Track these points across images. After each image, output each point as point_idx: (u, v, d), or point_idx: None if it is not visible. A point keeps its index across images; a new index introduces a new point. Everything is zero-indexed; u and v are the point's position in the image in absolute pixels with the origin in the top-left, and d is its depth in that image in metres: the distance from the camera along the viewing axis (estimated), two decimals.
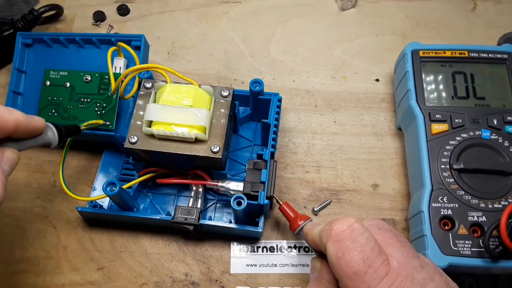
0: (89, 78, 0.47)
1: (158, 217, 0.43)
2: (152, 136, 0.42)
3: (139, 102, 0.43)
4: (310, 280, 0.35)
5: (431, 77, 0.47)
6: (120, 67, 0.49)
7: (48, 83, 0.48)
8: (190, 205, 0.44)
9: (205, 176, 0.44)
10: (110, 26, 0.58)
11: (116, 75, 0.46)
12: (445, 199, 0.41)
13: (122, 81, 0.43)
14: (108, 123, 0.46)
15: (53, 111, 0.47)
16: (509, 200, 0.40)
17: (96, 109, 0.47)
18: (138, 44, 0.49)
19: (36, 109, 0.48)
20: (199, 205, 0.44)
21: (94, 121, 0.45)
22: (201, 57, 0.56)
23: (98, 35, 0.51)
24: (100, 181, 0.48)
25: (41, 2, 0.59)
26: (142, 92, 0.44)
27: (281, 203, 0.42)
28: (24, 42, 0.51)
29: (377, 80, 0.54)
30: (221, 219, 0.46)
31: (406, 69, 0.48)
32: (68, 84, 0.48)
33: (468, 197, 0.41)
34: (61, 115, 0.47)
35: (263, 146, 0.48)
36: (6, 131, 0.32)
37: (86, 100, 0.47)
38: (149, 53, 0.54)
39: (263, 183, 0.42)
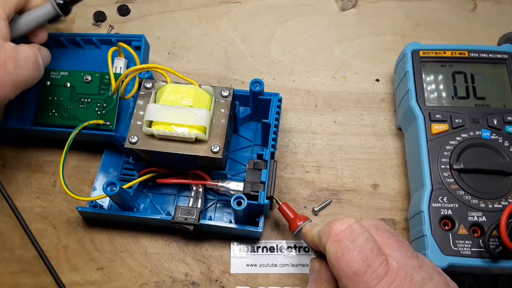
0: (90, 78, 0.47)
1: (158, 217, 0.43)
2: (152, 136, 0.42)
3: (140, 102, 0.43)
4: (309, 281, 0.35)
5: (431, 77, 0.47)
6: (121, 67, 0.49)
7: (48, 83, 0.48)
8: (190, 205, 0.44)
9: (205, 176, 0.44)
10: (111, 26, 0.58)
11: (117, 75, 0.46)
12: (445, 199, 0.41)
13: (123, 81, 0.43)
14: (108, 123, 0.46)
15: (53, 111, 0.47)
16: (509, 200, 0.40)
17: (96, 109, 0.47)
18: (139, 44, 0.49)
19: (36, 109, 0.48)
20: (199, 205, 0.44)
21: (94, 121, 0.45)
22: (201, 57, 0.56)
23: (98, 35, 0.51)
24: (100, 181, 0.48)
25: None
26: (142, 92, 0.44)
27: (280, 203, 0.42)
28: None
29: (377, 80, 0.54)
30: (221, 219, 0.46)
31: (406, 69, 0.48)
32: (68, 84, 0.48)
33: (468, 197, 0.41)
34: (61, 115, 0.47)
35: (263, 146, 0.48)
36: None
37: (86, 100, 0.47)
38: (150, 53, 0.54)
39: (263, 183, 0.42)
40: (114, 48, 0.47)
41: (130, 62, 0.50)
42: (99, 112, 0.46)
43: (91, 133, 0.46)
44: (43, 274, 0.45)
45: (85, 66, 0.50)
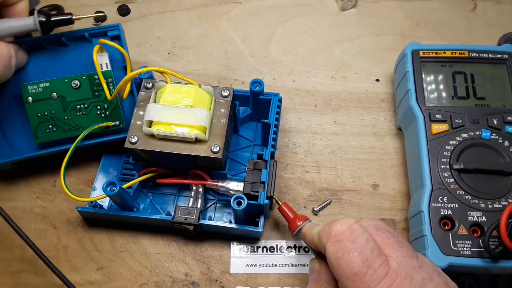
0: (78, 83, 0.44)
1: (158, 217, 0.43)
2: (152, 136, 0.42)
3: (140, 102, 0.43)
4: (309, 281, 0.35)
5: (431, 77, 0.47)
6: (106, 63, 0.47)
7: (30, 99, 0.44)
8: (190, 205, 0.44)
9: (205, 176, 0.44)
10: None
11: (105, 73, 0.45)
12: (445, 199, 0.41)
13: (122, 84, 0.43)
14: (117, 122, 0.45)
15: (50, 127, 0.45)
16: (509, 200, 0.40)
17: (98, 112, 0.45)
18: (116, 33, 0.47)
19: (28, 131, 0.45)
20: (199, 205, 0.44)
21: (103, 124, 0.44)
22: (201, 57, 0.56)
23: (67, 34, 0.47)
24: (100, 181, 0.48)
25: (41, 2, 0.59)
26: (142, 92, 0.44)
27: (280, 203, 0.42)
28: None
29: (377, 80, 0.54)
30: (221, 219, 0.46)
31: (406, 69, 0.48)
32: (55, 95, 0.44)
33: (468, 197, 0.41)
34: (62, 129, 0.45)
35: (263, 146, 0.48)
36: None
37: (83, 106, 0.45)
38: (150, 53, 0.54)
39: (263, 183, 0.42)
40: (97, 46, 0.44)
41: (112, 56, 0.48)
42: (102, 115, 0.45)
43: (107, 140, 0.45)
44: (43, 274, 0.45)
45: (61, 70, 0.46)
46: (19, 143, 0.47)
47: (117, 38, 0.47)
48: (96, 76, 0.45)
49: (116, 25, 0.47)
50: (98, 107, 0.45)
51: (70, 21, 0.45)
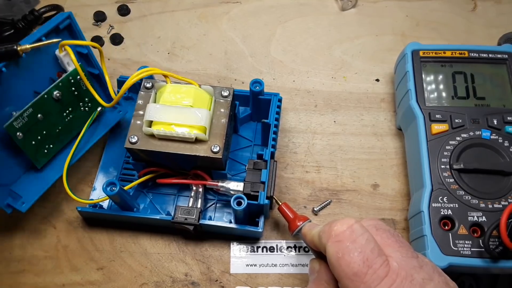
0: (58, 93, 0.42)
1: (158, 217, 0.43)
2: (152, 136, 0.42)
3: (139, 102, 0.43)
4: (309, 281, 0.35)
5: (431, 77, 0.47)
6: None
7: (20, 135, 0.40)
8: (190, 205, 0.44)
9: (205, 176, 0.44)
10: (111, 26, 0.58)
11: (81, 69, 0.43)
12: (445, 199, 0.41)
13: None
14: (99, 108, 0.46)
15: (47, 146, 0.43)
16: (509, 200, 0.40)
17: (82, 108, 0.45)
18: (67, 23, 0.42)
19: (22, 165, 0.43)
20: (199, 205, 0.44)
21: (95, 116, 0.45)
22: (201, 57, 0.56)
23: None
24: (100, 181, 0.48)
25: (41, 2, 0.59)
26: (142, 92, 0.44)
27: (280, 203, 0.42)
28: None
29: (377, 80, 0.54)
30: (221, 219, 0.46)
31: (406, 69, 0.48)
32: (41, 116, 0.41)
33: (468, 197, 0.41)
34: (60, 141, 0.44)
35: (263, 146, 0.48)
36: None
37: (69, 110, 0.44)
38: (150, 53, 0.53)
39: (263, 183, 0.42)
40: (69, 50, 0.41)
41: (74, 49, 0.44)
42: (87, 109, 0.45)
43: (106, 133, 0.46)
44: (43, 274, 0.45)
45: (22, 87, 0.40)
46: (23, 184, 0.44)
47: (68, 28, 0.43)
48: (71, 77, 0.42)
49: (68, 14, 0.42)
50: (80, 103, 0.45)
51: (16, 54, 0.37)
